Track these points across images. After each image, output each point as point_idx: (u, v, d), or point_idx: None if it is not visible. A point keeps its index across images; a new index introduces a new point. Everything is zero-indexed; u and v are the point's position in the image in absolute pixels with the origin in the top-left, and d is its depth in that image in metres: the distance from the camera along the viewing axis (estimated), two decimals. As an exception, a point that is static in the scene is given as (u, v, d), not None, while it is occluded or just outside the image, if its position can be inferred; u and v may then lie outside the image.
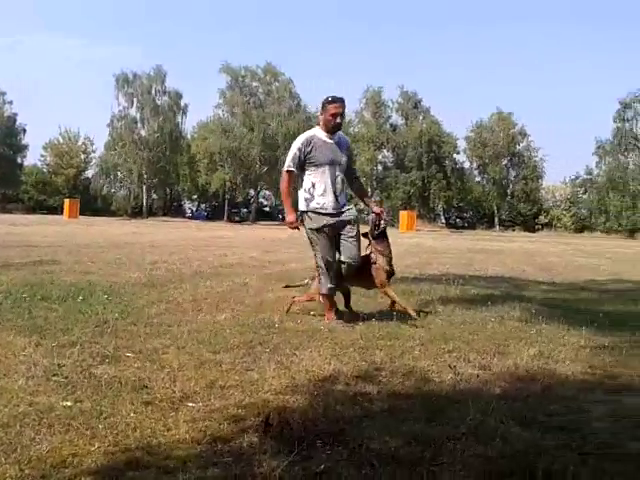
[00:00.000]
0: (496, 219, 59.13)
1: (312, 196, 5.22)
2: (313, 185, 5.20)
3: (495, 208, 59.16)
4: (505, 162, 60.20)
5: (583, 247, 25.85)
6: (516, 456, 2.39)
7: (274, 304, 6.15)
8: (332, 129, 5.21)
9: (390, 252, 5.53)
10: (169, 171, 60.59)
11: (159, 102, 59.26)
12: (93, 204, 58.03)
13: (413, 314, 5.33)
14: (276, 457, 2.32)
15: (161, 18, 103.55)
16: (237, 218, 61.93)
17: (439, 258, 14.66)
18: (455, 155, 61.31)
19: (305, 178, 5.28)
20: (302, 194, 5.31)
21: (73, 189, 61.00)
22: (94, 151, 66.69)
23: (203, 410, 2.85)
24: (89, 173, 66.43)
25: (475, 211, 63.76)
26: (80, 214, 45.57)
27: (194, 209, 69.21)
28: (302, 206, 5.31)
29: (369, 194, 5.48)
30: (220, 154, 57.04)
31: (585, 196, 59.00)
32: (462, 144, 61.62)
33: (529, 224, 58.37)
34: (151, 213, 59.66)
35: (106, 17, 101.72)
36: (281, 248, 16.27)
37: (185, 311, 5.58)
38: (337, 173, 5.24)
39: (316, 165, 5.18)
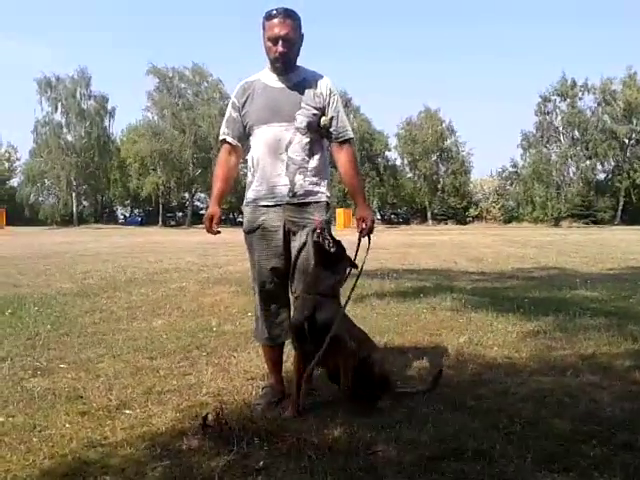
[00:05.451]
0: (429, 213, 60.49)
1: (252, 179, 3.20)
2: (252, 160, 3.19)
3: (427, 203, 60.52)
4: (434, 158, 61.59)
5: (511, 237, 26.78)
6: (447, 439, 2.50)
7: (211, 307, 6.14)
8: (276, 64, 3.09)
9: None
10: (99, 176, 59.11)
11: (84, 106, 57.72)
12: (20, 214, 55.85)
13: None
14: (215, 457, 2.35)
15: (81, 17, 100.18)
16: (173, 222, 61.01)
17: (374, 253, 14.81)
18: (387, 152, 62.43)
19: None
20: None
21: (-2, 199, 58.65)
22: (18, 159, 64.39)
23: (140, 417, 2.84)
24: (14, 182, 64.03)
25: (409, 207, 65.05)
26: (8, 224, 43.92)
27: (127, 215, 67.64)
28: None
29: (361, 180, 3.73)
30: (151, 157, 56.08)
31: (512, 188, 61.16)
32: (393, 141, 62.73)
33: (460, 217, 60.08)
34: (82, 221, 57.95)
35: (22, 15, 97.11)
36: (219, 251, 16.12)
37: (119, 319, 5.50)
38: (290, 137, 3.11)
39: (251, 126, 3.18)
